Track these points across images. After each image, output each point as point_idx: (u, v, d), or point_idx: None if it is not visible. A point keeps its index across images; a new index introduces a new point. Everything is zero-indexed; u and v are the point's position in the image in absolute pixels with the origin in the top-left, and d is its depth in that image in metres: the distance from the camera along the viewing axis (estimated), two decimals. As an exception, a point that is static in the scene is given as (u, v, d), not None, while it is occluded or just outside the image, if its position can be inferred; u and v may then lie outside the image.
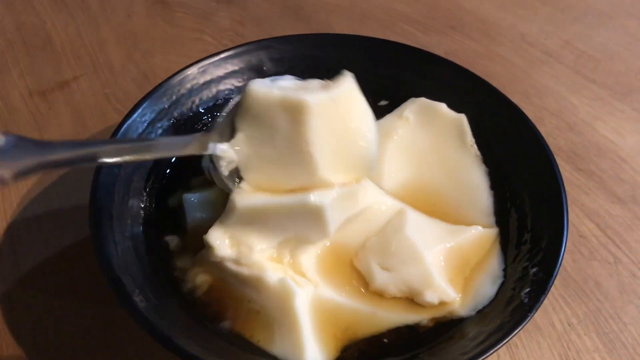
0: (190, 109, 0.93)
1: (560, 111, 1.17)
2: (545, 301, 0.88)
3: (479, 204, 0.89)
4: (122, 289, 0.66)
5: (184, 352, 0.60)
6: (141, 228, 0.81)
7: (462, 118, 0.93)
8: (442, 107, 0.94)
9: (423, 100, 0.95)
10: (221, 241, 0.74)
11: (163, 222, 0.84)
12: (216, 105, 0.96)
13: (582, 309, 0.87)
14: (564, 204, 0.76)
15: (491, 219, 0.87)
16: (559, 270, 0.89)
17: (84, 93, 1.19)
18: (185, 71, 0.92)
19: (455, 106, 0.95)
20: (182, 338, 0.63)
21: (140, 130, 0.85)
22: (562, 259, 0.71)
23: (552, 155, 0.84)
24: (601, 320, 0.86)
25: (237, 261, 0.74)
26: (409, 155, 0.94)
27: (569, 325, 0.85)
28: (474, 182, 0.91)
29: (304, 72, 0.93)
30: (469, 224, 0.85)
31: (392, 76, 1.00)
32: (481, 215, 0.88)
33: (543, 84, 1.23)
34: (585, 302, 0.88)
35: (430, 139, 0.95)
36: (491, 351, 0.62)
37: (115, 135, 0.82)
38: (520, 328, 0.64)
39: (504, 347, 0.83)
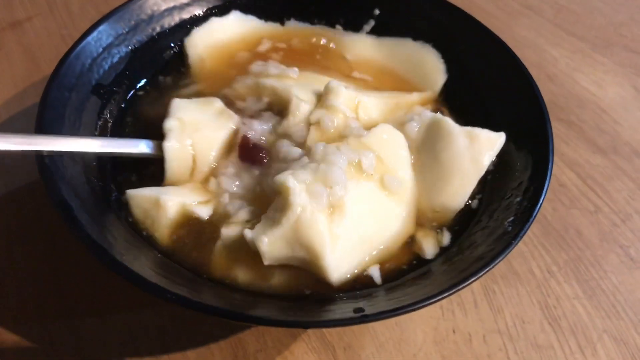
0: (151, 36, 0.86)
1: (540, 63, 1.13)
2: (525, 248, 0.85)
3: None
4: (68, 211, 0.59)
5: (132, 274, 0.54)
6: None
7: None
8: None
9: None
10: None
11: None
12: (178, 33, 0.90)
13: (562, 257, 0.84)
14: (549, 129, 0.71)
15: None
16: (539, 219, 0.88)
17: (38, 33, 1.11)
18: (146, -5, 0.85)
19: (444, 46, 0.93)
20: (133, 262, 0.57)
21: (95, 54, 0.78)
22: (548, 186, 0.66)
23: (531, 77, 0.80)
24: (581, 268, 0.83)
25: None
26: None
27: (549, 272, 0.82)
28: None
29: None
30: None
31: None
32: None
33: (522, 36, 1.19)
34: (565, 250, 0.85)
35: None
36: (473, 278, 0.57)
37: (65, 60, 0.74)
38: (504, 255, 0.59)
39: (481, 293, 0.79)
